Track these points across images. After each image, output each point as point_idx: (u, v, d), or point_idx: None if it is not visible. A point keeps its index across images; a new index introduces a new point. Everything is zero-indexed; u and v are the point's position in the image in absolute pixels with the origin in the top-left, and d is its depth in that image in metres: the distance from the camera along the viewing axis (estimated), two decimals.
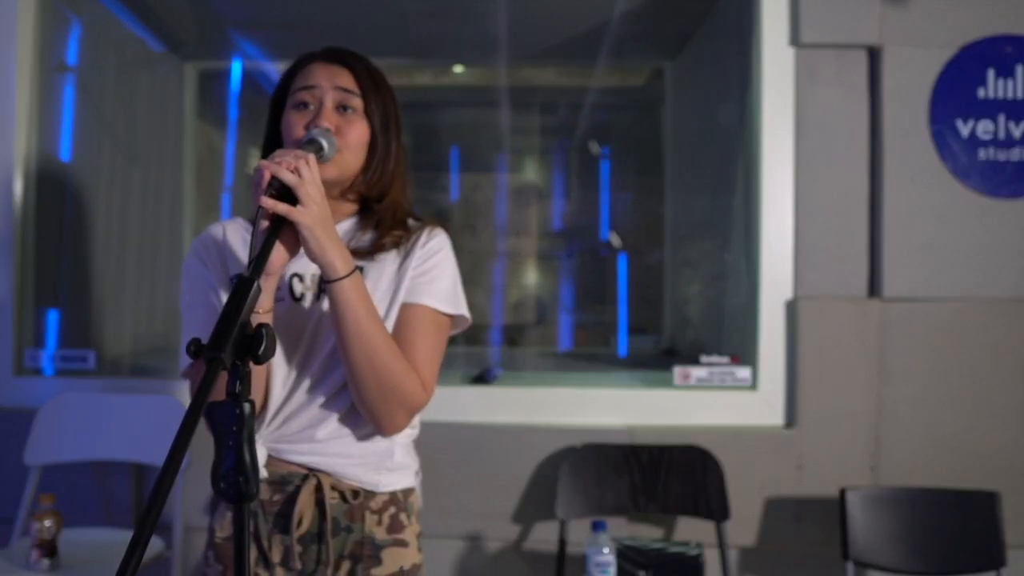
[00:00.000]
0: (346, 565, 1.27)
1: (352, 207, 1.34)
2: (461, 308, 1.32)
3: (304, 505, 1.25)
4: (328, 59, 1.30)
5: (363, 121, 1.28)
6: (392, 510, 1.30)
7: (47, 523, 1.90)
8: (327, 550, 1.25)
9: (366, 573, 1.26)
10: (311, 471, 1.27)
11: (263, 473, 1.25)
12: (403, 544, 1.30)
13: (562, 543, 2.09)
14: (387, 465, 1.30)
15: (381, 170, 1.30)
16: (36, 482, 2.16)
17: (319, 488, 1.26)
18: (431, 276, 1.30)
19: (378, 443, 1.29)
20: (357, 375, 1.19)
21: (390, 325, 1.26)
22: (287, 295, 1.28)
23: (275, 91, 1.33)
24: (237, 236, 1.34)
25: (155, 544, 2.09)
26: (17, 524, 2.11)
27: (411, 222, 1.36)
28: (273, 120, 1.33)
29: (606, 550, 1.81)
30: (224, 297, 1.18)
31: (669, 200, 3.52)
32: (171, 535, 2.10)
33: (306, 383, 1.27)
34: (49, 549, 1.91)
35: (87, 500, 2.30)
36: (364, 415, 1.24)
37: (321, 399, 1.26)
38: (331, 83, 1.26)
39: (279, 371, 1.26)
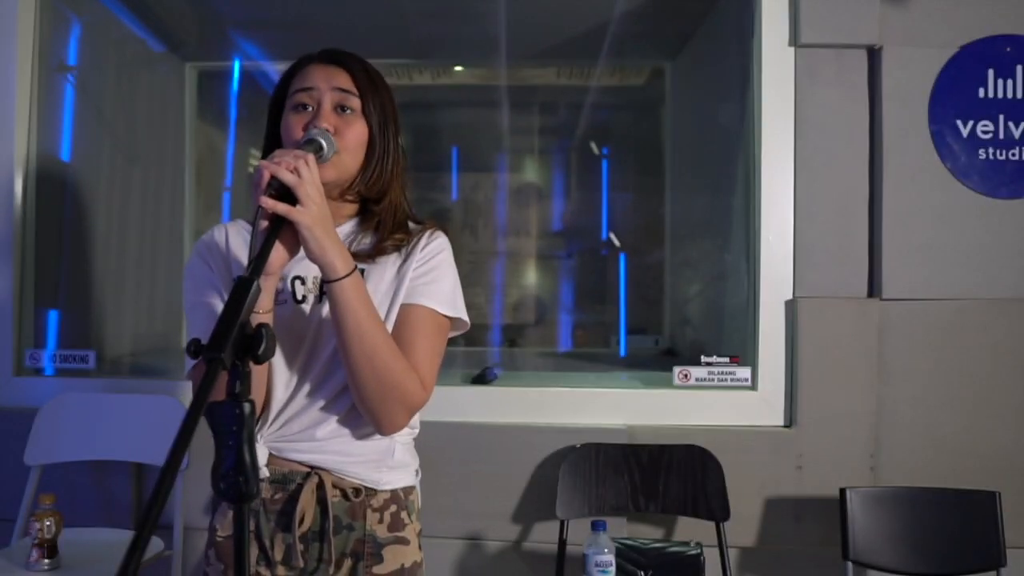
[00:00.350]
0: (347, 563, 1.27)
1: (352, 208, 1.34)
2: (460, 312, 1.32)
3: (306, 503, 1.25)
4: (325, 60, 1.30)
5: (361, 121, 1.28)
6: (393, 508, 1.30)
7: (47, 523, 1.90)
8: (329, 548, 1.25)
9: (367, 571, 1.27)
10: (312, 469, 1.27)
11: (264, 472, 1.25)
12: (404, 542, 1.30)
13: (562, 543, 2.09)
14: (388, 463, 1.30)
15: (380, 170, 1.30)
16: (36, 482, 2.16)
17: (321, 486, 1.26)
18: (431, 278, 1.30)
19: (378, 441, 1.29)
20: (357, 374, 1.19)
21: (390, 327, 1.26)
22: (289, 298, 1.28)
23: (274, 93, 1.33)
24: (239, 238, 1.34)
25: (155, 544, 2.09)
26: (17, 524, 2.11)
27: (412, 225, 1.36)
28: (272, 122, 1.33)
29: (606, 550, 1.81)
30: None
31: (669, 200, 3.53)
32: (171, 535, 2.10)
33: (307, 386, 1.27)
34: (49, 549, 1.91)
35: (87, 500, 2.30)
36: (364, 414, 1.24)
37: (322, 402, 1.27)
38: (329, 84, 1.27)
39: (280, 374, 1.26)
